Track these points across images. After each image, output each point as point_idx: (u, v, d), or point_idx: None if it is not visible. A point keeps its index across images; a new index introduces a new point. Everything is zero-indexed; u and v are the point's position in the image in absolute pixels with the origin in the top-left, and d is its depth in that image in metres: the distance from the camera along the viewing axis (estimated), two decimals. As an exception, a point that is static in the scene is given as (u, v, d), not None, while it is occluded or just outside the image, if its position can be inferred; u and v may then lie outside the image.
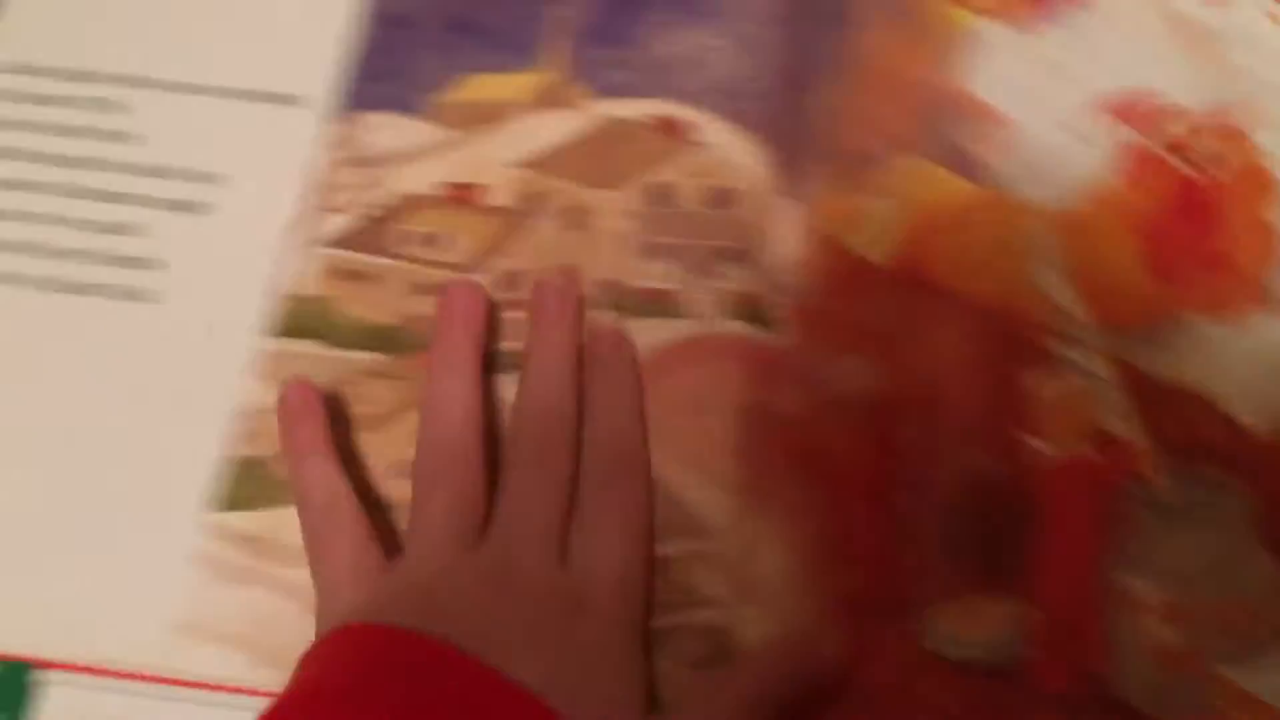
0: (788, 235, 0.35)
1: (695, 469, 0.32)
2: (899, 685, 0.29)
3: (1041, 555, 0.30)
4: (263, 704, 0.26)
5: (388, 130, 0.37)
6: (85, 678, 0.32)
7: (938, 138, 0.35)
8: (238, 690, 0.30)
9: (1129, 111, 0.34)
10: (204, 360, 0.34)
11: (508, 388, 0.33)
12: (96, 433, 0.34)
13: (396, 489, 0.32)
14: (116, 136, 0.38)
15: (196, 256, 0.36)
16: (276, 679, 0.29)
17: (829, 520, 0.31)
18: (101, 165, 0.37)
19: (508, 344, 0.34)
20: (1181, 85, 0.34)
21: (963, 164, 0.34)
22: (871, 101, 0.36)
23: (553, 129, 0.37)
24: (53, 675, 0.32)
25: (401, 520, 0.31)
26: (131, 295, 0.35)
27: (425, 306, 0.34)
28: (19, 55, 0.39)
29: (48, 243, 0.36)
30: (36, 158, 0.37)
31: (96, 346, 0.35)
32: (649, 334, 0.33)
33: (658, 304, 0.34)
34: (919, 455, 0.31)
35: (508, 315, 0.34)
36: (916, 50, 0.36)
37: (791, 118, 0.36)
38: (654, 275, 0.35)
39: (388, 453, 0.32)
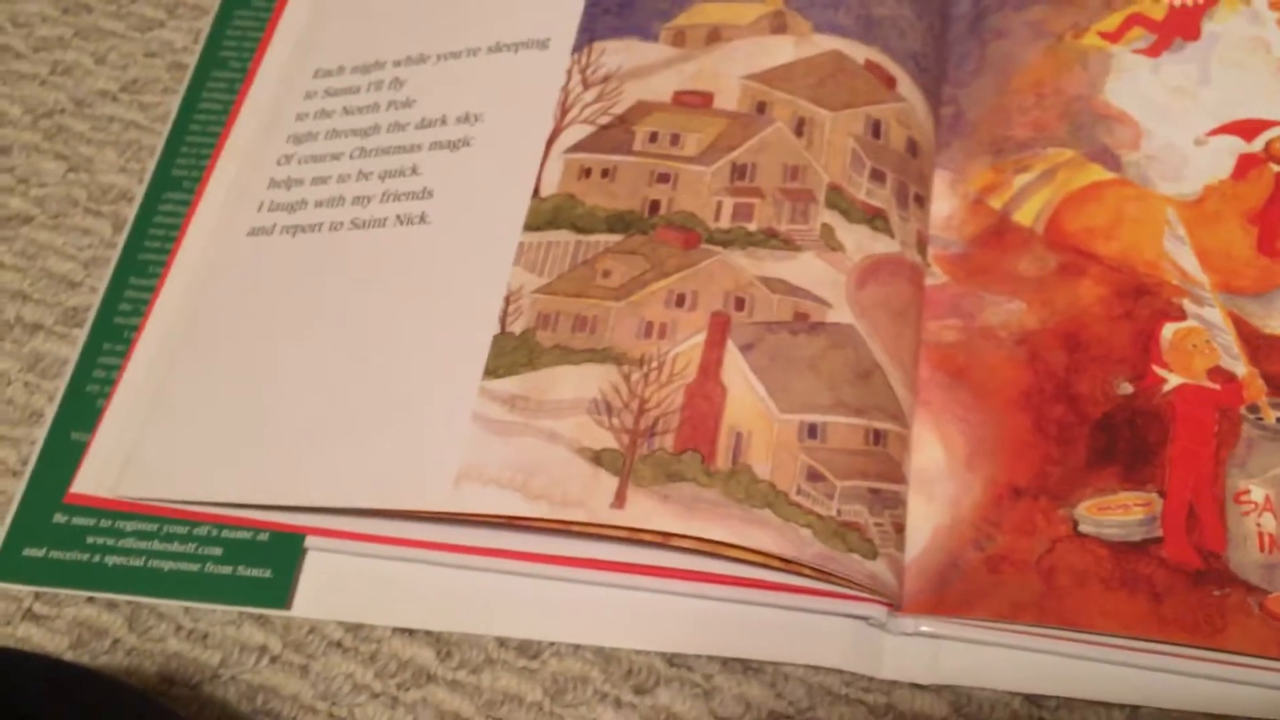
0: (938, 195, 0.42)
1: (896, 364, 0.38)
2: (1051, 555, 0.36)
3: (1172, 459, 0.36)
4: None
5: (625, 53, 0.43)
6: (347, 543, 0.38)
7: (1083, 135, 0.42)
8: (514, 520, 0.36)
9: (1238, 127, 0.42)
10: (477, 258, 0.40)
11: (751, 263, 0.38)
12: (396, 331, 0.40)
13: (639, 348, 0.37)
14: (393, 105, 0.45)
15: (462, 181, 0.42)
16: (545, 511, 0.35)
17: (984, 423, 0.37)
18: (380, 130, 0.44)
19: (739, 223, 0.39)
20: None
21: (1104, 157, 0.42)
22: (1025, 102, 0.43)
23: (777, 51, 0.42)
24: (319, 542, 0.38)
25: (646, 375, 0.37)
26: (411, 221, 0.42)
27: (658, 193, 0.40)
28: (319, 63, 0.47)
29: (344, 195, 0.43)
30: (333, 135, 0.45)
31: (391, 265, 0.41)
32: (870, 241, 0.39)
33: (876, 218, 0.39)
34: (1069, 377, 0.38)
35: (737, 201, 0.39)
36: (1061, 66, 0.44)
37: (939, 98, 0.43)
38: (871, 193, 0.40)
39: (631, 318, 0.38)
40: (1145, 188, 0.41)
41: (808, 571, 0.34)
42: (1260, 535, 0.35)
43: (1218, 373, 0.38)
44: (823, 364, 0.37)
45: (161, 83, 0.50)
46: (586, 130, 0.42)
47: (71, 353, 0.43)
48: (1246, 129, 0.41)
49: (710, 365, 0.37)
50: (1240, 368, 0.38)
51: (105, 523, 0.39)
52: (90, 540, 0.39)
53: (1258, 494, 0.36)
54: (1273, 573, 0.34)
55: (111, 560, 0.39)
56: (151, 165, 0.47)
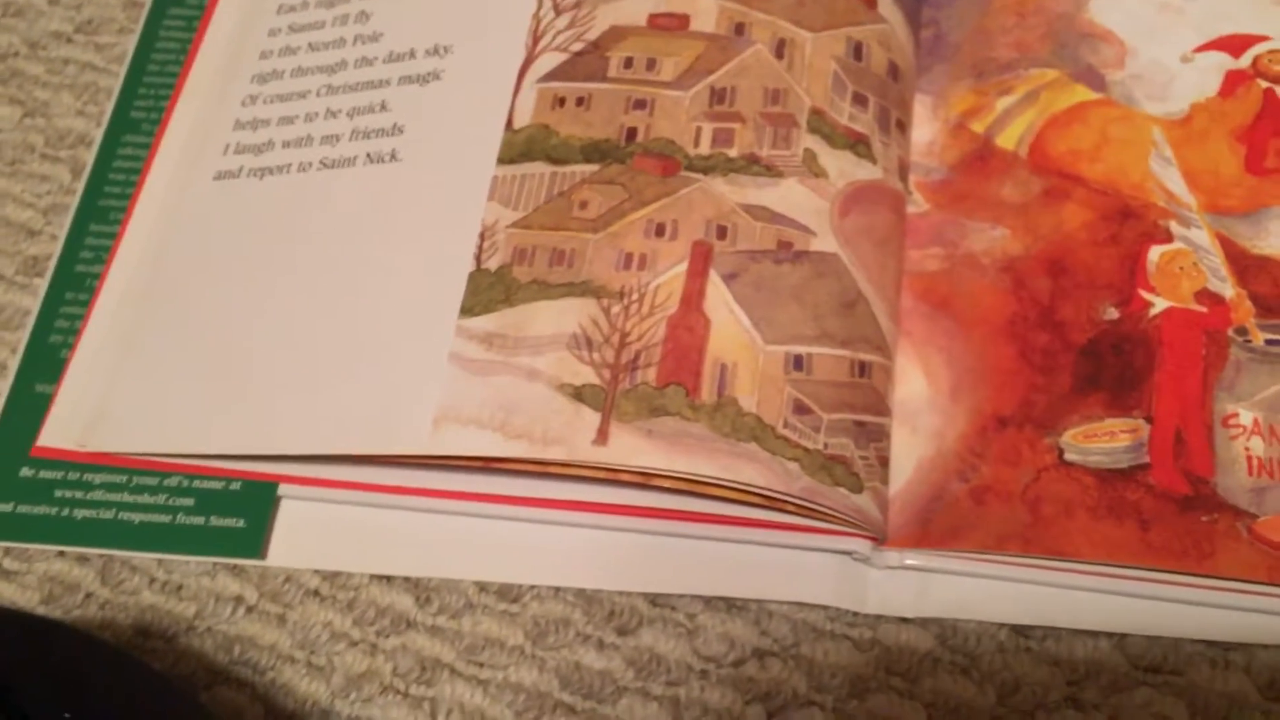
0: (919, 120, 0.41)
1: (879, 294, 0.37)
2: (1036, 484, 0.35)
3: (1159, 384, 0.36)
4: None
5: (597, -27, 0.41)
6: (322, 491, 0.37)
7: (1067, 54, 0.41)
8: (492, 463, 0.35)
9: (1225, 43, 0.41)
10: (450, 194, 0.39)
11: (732, 190, 0.37)
12: (369, 272, 0.39)
13: (618, 280, 0.36)
14: (360, 39, 0.43)
15: (433, 115, 0.41)
16: (526, 450, 0.34)
17: (968, 353, 0.37)
18: (347, 65, 0.43)
19: (720, 149, 0.38)
20: (1275, 30, 0.41)
21: (1088, 77, 0.41)
22: (1007, 22, 0.42)
23: (756, -31, 0.40)
24: (293, 490, 0.37)
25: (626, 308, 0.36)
26: (381, 158, 0.41)
27: (634, 120, 0.39)
28: None
29: (312, 135, 0.42)
30: (299, 73, 0.43)
31: (362, 204, 0.40)
32: (852, 168, 0.38)
33: (858, 144, 0.39)
34: (1054, 303, 0.37)
35: (716, 126, 0.38)
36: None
37: (919, 19, 0.42)
38: (853, 118, 0.39)
39: (609, 249, 0.37)
40: (1131, 107, 0.40)
41: (791, 507, 0.34)
42: (1249, 459, 0.35)
43: (1205, 295, 0.37)
44: (807, 294, 0.36)
45: (117, 22, 0.48)
46: (559, 58, 0.40)
47: (33, 303, 0.42)
48: (1234, 44, 0.41)
49: (692, 296, 0.36)
50: (1228, 289, 0.37)
51: (73, 475, 0.39)
52: (59, 494, 0.38)
53: (1246, 417, 0.35)
54: (1261, 497, 0.34)
55: (81, 513, 0.38)
56: (109, 108, 0.46)
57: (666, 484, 0.34)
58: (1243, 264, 0.37)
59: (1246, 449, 0.35)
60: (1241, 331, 0.36)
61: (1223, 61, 0.41)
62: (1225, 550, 0.33)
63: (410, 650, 0.36)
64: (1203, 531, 0.34)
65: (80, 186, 0.44)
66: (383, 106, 0.41)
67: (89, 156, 0.45)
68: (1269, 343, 0.36)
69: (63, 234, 0.43)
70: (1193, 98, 0.40)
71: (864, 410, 0.35)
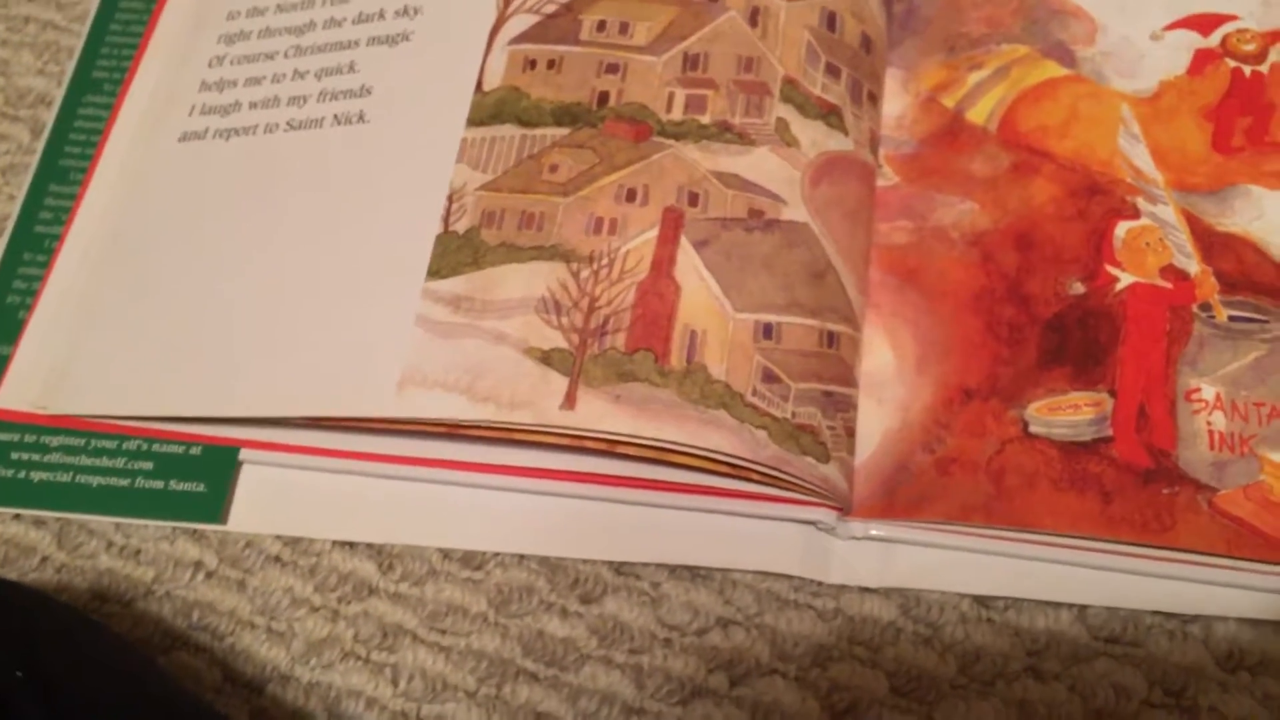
0: (890, 94, 0.41)
1: (848, 265, 0.37)
2: (1001, 456, 0.35)
3: (1123, 358, 0.36)
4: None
5: (572, -64, 0.40)
6: (285, 456, 0.37)
7: (1037, 30, 0.41)
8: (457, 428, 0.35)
9: (1195, 21, 0.41)
10: (418, 156, 0.39)
11: (704, 157, 0.37)
12: (335, 234, 0.38)
13: (588, 244, 0.36)
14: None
15: (401, 76, 0.40)
16: (493, 413, 0.34)
17: (935, 325, 0.37)
18: (315, 26, 0.42)
19: (692, 115, 0.38)
20: (1244, 9, 0.42)
21: (1058, 53, 0.41)
22: (979, -1, 0.42)
23: (732, -65, 0.39)
24: (255, 455, 0.37)
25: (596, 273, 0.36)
26: (349, 120, 0.40)
27: (606, 84, 0.38)
28: None
29: (280, 96, 0.41)
30: (266, 33, 0.43)
31: (329, 166, 0.40)
32: (824, 138, 0.38)
33: (830, 114, 0.38)
34: (1021, 277, 0.37)
35: (689, 92, 0.38)
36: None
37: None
38: (825, 88, 0.39)
39: (579, 213, 0.37)
40: (1100, 84, 0.41)
41: (758, 476, 0.34)
42: (1210, 433, 0.35)
43: (1170, 271, 0.37)
44: (777, 263, 0.36)
45: (79, -20, 0.48)
46: (531, 19, 0.40)
47: (-10, 263, 0.41)
48: (1203, 23, 0.41)
49: (663, 262, 0.36)
50: (1193, 266, 0.37)
51: (30, 437, 0.38)
52: (15, 456, 0.38)
53: (1208, 392, 0.36)
54: (1222, 470, 0.34)
55: (37, 476, 0.38)
56: (70, 67, 0.45)
57: (633, 451, 0.34)
58: (1208, 241, 0.38)
59: (1208, 423, 0.35)
60: (1205, 308, 0.37)
61: (1192, 40, 0.41)
62: (1185, 523, 0.34)
63: (372, 617, 0.36)
64: (1163, 504, 0.34)
65: (40, 146, 0.43)
66: (351, 68, 0.41)
67: (49, 116, 0.44)
68: (1232, 319, 0.36)
69: (21, 194, 0.42)
70: (1162, 75, 0.41)
71: (832, 380, 0.35)
